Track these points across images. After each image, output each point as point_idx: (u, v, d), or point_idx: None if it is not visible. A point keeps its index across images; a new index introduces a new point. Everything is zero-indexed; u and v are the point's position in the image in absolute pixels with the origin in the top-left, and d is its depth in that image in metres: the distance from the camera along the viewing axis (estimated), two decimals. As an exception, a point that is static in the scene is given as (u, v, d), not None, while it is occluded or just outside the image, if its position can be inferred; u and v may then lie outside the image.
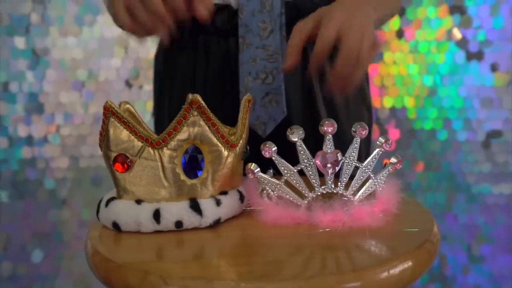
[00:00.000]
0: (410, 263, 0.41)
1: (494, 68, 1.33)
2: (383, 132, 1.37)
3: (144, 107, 1.31)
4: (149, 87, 1.33)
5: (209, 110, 0.46)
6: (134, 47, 1.34)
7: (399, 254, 0.41)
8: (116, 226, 0.47)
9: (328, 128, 0.47)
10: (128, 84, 1.34)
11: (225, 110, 0.63)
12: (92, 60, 1.32)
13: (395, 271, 0.40)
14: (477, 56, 1.33)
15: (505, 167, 1.35)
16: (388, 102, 1.37)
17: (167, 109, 0.77)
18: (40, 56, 1.31)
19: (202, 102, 0.46)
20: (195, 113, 0.46)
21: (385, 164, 0.50)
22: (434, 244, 0.44)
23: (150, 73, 0.91)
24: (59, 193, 1.34)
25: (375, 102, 1.36)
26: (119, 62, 1.33)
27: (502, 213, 1.36)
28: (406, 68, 1.35)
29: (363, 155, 0.66)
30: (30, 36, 1.30)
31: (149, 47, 1.31)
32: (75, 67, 1.32)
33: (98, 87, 1.33)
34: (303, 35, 0.57)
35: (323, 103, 0.72)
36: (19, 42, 1.30)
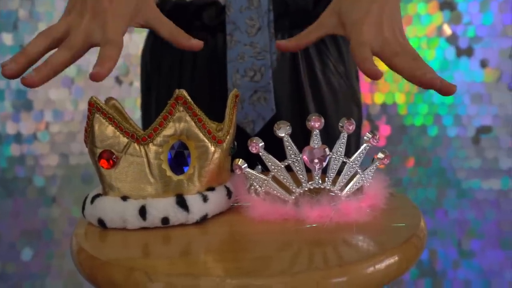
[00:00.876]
0: (396, 258, 0.41)
1: (483, 64, 1.33)
2: (374, 128, 1.37)
3: (134, 103, 1.31)
4: (139, 83, 1.32)
5: (195, 106, 0.46)
6: (124, 43, 1.32)
7: (385, 249, 0.41)
8: (101, 223, 0.47)
9: (315, 123, 0.47)
10: (118, 80, 1.33)
11: (213, 107, 0.63)
12: (81, 56, 1.31)
13: (381, 266, 0.40)
14: (467, 52, 1.33)
15: (494, 163, 1.36)
16: (379, 98, 1.37)
17: (155, 105, 0.76)
18: (28, 53, 1.29)
19: (188, 97, 0.45)
20: (181, 108, 0.46)
21: (373, 159, 0.50)
22: (421, 239, 0.45)
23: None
24: (49, 191, 1.33)
25: (366, 98, 1.36)
26: (109, 59, 1.32)
27: (492, 208, 1.37)
28: (397, 64, 1.35)
29: (353, 152, 0.66)
30: (18, 33, 1.28)
31: (139, 44, 1.30)
32: (64, 64, 1.30)
33: (88, 84, 1.32)
34: (309, 40, 0.57)
35: (312, 99, 0.72)
36: (7, 38, 1.28)
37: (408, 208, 0.51)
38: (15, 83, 1.30)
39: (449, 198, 1.38)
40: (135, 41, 1.32)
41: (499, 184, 1.36)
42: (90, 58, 1.44)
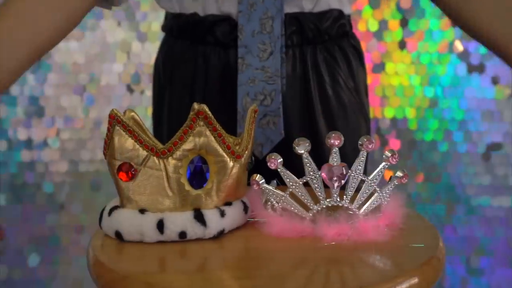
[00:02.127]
0: (416, 280, 0.40)
1: (495, 81, 1.33)
2: (384, 143, 1.36)
3: (145, 112, 1.31)
4: (150, 92, 1.32)
5: (215, 121, 0.46)
6: (136, 52, 1.33)
7: (405, 271, 0.41)
8: (118, 235, 0.47)
9: (335, 141, 0.47)
10: (130, 89, 1.34)
11: (221, 122, 0.62)
12: (94, 64, 1.32)
13: (401, 287, 0.39)
14: (479, 68, 1.33)
15: (504, 180, 1.35)
16: (389, 113, 1.37)
17: (166, 118, 0.76)
18: (41, 60, 1.30)
19: (209, 112, 0.46)
20: (201, 123, 0.46)
21: (391, 178, 0.50)
22: (440, 260, 0.44)
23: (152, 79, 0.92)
24: (58, 197, 1.33)
25: (376, 112, 1.36)
26: (121, 67, 1.33)
27: (501, 226, 1.36)
28: (408, 79, 1.35)
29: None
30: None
31: (151, 53, 1.30)
32: (77, 71, 1.32)
33: (100, 92, 1.33)
34: None
35: (322, 114, 0.72)
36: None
37: (426, 228, 0.51)
38: (29, 89, 1.31)
39: (458, 214, 1.37)
40: (147, 50, 1.33)
41: (509, 202, 1.35)
42: (103, 66, 1.44)
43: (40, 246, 1.33)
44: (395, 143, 1.37)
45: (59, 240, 1.34)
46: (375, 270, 0.42)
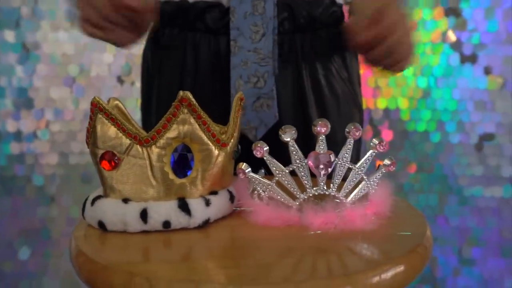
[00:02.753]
0: (402, 268, 0.40)
1: (487, 71, 1.33)
2: (377, 133, 1.36)
3: (135, 104, 1.30)
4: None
5: (200, 108, 0.45)
6: (127, 43, 1.32)
7: (391, 258, 0.40)
8: (101, 225, 0.46)
9: (321, 128, 0.46)
10: (120, 80, 1.33)
11: (213, 111, 0.62)
12: (83, 55, 1.30)
13: (387, 275, 0.39)
14: (471, 59, 1.32)
15: (497, 170, 1.35)
16: (381, 103, 1.36)
17: (155, 107, 0.76)
18: (30, 51, 1.29)
19: (193, 99, 0.45)
20: (185, 110, 0.45)
21: (379, 166, 0.50)
22: (427, 248, 0.44)
23: (142, 70, 0.91)
24: (48, 190, 1.32)
25: (369, 103, 1.35)
26: (111, 58, 1.32)
27: (493, 216, 1.36)
28: (400, 69, 1.34)
29: (353, 156, 0.65)
30: (21, 30, 1.28)
31: (142, 43, 1.29)
32: (66, 62, 1.30)
33: (89, 83, 1.31)
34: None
35: (315, 104, 0.71)
36: (9, 35, 1.28)
37: (414, 216, 0.51)
38: (17, 80, 1.29)
39: (450, 205, 1.37)
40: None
41: (501, 192, 1.35)
42: (93, 57, 1.42)
43: (31, 239, 1.32)
44: (387, 134, 1.37)
45: (50, 232, 1.33)
46: (361, 258, 0.41)
